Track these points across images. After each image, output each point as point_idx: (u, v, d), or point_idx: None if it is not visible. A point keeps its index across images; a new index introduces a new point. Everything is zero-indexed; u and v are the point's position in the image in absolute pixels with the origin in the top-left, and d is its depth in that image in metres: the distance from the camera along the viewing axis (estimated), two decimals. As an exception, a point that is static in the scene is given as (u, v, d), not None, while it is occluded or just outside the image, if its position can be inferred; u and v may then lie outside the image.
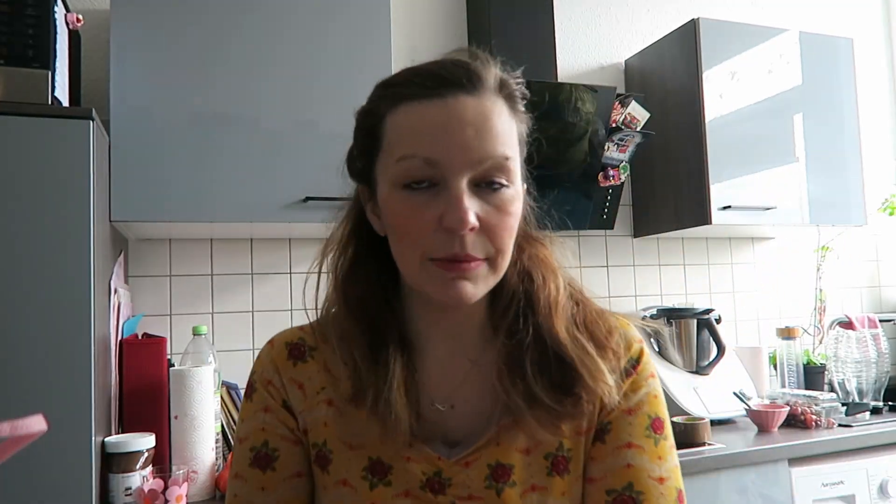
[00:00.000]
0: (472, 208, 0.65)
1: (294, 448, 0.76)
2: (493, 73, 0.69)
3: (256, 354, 0.82)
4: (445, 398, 0.74)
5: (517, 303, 0.73)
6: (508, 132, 0.68)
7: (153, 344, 1.65)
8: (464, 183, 0.65)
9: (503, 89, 0.69)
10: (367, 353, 0.72)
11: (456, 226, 0.64)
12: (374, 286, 0.75)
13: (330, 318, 0.77)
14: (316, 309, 0.78)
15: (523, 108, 0.73)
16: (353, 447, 0.73)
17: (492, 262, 0.68)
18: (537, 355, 0.71)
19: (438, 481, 0.71)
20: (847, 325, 2.32)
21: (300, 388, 0.76)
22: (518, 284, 0.74)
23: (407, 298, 0.76)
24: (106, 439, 1.43)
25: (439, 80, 0.66)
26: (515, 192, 0.68)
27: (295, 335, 0.80)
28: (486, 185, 0.66)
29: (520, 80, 0.72)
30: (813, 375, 2.37)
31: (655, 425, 0.74)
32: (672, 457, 0.74)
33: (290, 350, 0.78)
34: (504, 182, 0.67)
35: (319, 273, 0.77)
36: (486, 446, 0.71)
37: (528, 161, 0.75)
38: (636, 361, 0.76)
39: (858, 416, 2.07)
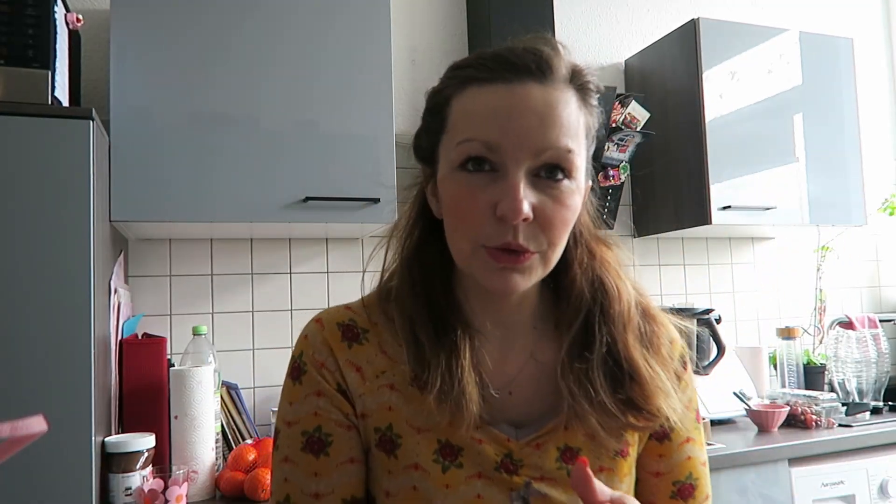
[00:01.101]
0: (528, 199, 0.64)
1: (348, 433, 0.73)
2: (564, 62, 0.68)
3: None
4: (503, 385, 0.74)
5: (586, 308, 0.74)
6: (574, 124, 0.66)
7: (153, 344, 1.65)
8: (522, 171, 0.64)
9: (575, 80, 0.68)
10: (433, 333, 0.71)
11: (510, 215, 0.63)
12: (436, 269, 0.75)
13: (390, 294, 0.76)
14: (381, 275, 0.78)
15: (596, 103, 0.71)
16: (421, 430, 0.71)
17: (543, 255, 0.67)
18: (609, 367, 0.72)
19: (511, 462, 0.71)
20: (847, 325, 2.32)
21: (358, 371, 0.73)
22: (589, 289, 0.74)
23: (462, 284, 0.76)
24: (106, 439, 1.43)
25: (508, 65, 0.65)
26: (576, 186, 0.67)
27: (344, 315, 0.77)
28: (546, 177, 0.65)
29: (595, 73, 0.71)
30: (813, 375, 2.37)
31: (697, 416, 0.81)
32: (705, 439, 0.82)
33: (344, 331, 0.75)
34: (564, 175, 0.66)
35: (389, 241, 0.77)
36: (554, 430, 0.72)
37: (596, 157, 0.75)
38: (683, 362, 0.80)
39: (858, 416, 2.07)
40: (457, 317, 0.73)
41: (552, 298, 0.77)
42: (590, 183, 0.75)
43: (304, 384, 0.74)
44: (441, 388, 0.68)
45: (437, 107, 0.71)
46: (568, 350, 0.73)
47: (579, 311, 0.74)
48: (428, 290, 0.74)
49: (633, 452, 0.76)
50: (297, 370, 0.75)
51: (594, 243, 0.77)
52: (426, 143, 0.73)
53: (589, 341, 0.72)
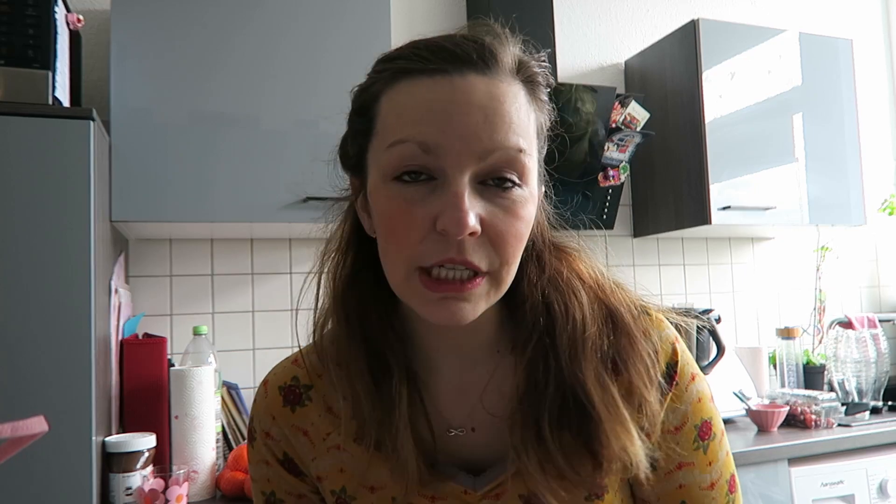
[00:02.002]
0: (475, 209, 0.54)
1: (301, 501, 0.73)
2: (511, 52, 0.59)
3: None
4: (463, 422, 0.66)
5: (537, 333, 0.63)
6: (525, 122, 0.57)
7: (153, 344, 1.65)
8: (466, 178, 0.54)
9: (522, 72, 0.59)
10: (370, 382, 0.64)
11: (453, 229, 0.53)
12: (373, 298, 0.65)
13: (326, 338, 0.68)
14: (314, 316, 0.69)
15: (546, 97, 0.62)
16: (375, 489, 0.66)
17: (495, 276, 0.57)
18: (557, 404, 0.61)
19: None
20: (847, 325, 2.32)
21: (305, 435, 0.69)
22: (538, 307, 0.63)
23: (408, 316, 0.66)
24: (106, 439, 1.43)
25: (446, 55, 0.56)
26: (529, 193, 0.58)
27: (288, 375, 0.71)
28: (494, 184, 0.56)
29: (544, 64, 0.62)
30: (812, 375, 2.37)
31: (703, 431, 0.67)
32: (721, 451, 0.69)
33: (285, 395, 0.70)
34: (516, 180, 0.56)
35: (319, 281, 0.68)
36: (517, 475, 0.63)
37: (548, 160, 0.65)
38: (673, 369, 0.66)
39: (858, 415, 2.07)
40: (397, 358, 0.64)
41: (509, 315, 0.66)
42: (543, 189, 0.65)
43: (255, 450, 0.73)
44: (378, 444, 0.63)
45: (363, 106, 0.61)
46: (522, 385, 0.63)
47: (530, 338, 0.63)
48: (365, 328, 0.64)
49: (611, 489, 0.65)
50: (250, 433, 0.74)
51: (547, 254, 0.66)
52: (353, 149, 0.63)
53: (540, 376, 0.62)
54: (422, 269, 0.56)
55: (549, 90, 0.63)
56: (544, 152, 0.64)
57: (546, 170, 0.66)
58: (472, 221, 0.54)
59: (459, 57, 0.56)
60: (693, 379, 0.68)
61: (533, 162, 0.59)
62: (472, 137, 0.54)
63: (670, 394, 0.66)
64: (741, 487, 0.74)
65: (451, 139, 0.54)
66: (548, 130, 0.64)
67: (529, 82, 0.60)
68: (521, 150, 0.56)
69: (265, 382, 0.73)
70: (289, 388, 0.70)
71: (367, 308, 0.65)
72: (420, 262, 0.56)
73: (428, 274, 0.56)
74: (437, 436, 0.65)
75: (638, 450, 0.61)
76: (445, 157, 0.55)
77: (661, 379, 0.65)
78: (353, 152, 0.64)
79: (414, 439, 0.63)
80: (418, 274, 0.56)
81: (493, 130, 0.55)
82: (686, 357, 0.68)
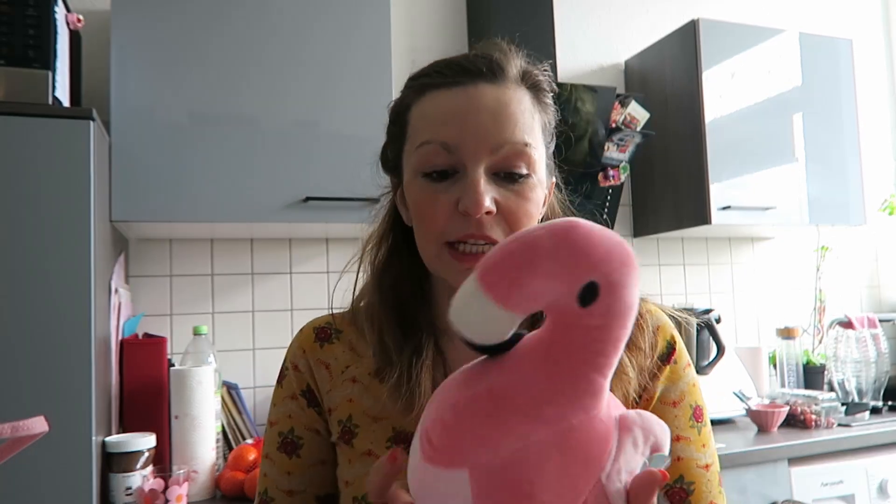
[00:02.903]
0: (490, 193, 0.65)
1: (316, 438, 0.77)
2: (515, 63, 0.70)
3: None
4: None
5: None
6: (529, 121, 0.68)
7: (153, 344, 1.65)
8: (481, 169, 0.65)
9: (526, 80, 0.70)
10: (399, 335, 0.73)
11: (472, 208, 0.64)
12: (406, 275, 0.76)
13: (361, 307, 0.79)
14: (353, 295, 0.80)
15: (550, 101, 0.73)
16: (378, 419, 0.73)
17: None
18: None
19: None
20: (846, 324, 2.32)
21: (326, 369, 0.77)
22: None
23: (436, 288, 0.76)
24: (106, 439, 1.43)
25: (461, 70, 0.68)
26: (537, 181, 0.68)
27: (324, 320, 0.81)
28: (506, 174, 0.67)
29: (546, 72, 0.73)
30: (812, 375, 2.37)
31: (697, 414, 0.75)
32: (712, 442, 0.76)
33: (318, 333, 0.79)
34: (525, 171, 0.67)
35: (360, 266, 0.79)
36: None
37: (557, 154, 0.75)
38: (671, 348, 0.75)
39: (858, 415, 2.07)
40: (426, 319, 0.74)
41: None
42: (553, 180, 0.76)
43: (283, 387, 0.80)
44: (398, 380, 0.70)
45: (398, 116, 0.74)
46: None
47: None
48: (398, 294, 0.75)
49: None
50: (281, 375, 0.81)
51: None
52: (391, 153, 0.75)
53: None
54: (449, 244, 0.67)
55: (552, 94, 0.73)
56: (552, 147, 0.74)
57: (556, 163, 0.76)
58: (488, 202, 0.65)
59: (472, 71, 0.68)
60: (688, 365, 0.77)
61: (539, 154, 0.69)
62: (483, 135, 0.66)
63: (668, 368, 0.74)
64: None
65: (466, 138, 0.66)
66: (554, 129, 0.74)
67: (533, 88, 0.71)
68: (526, 144, 0.67)
69: (302, 328, 0.82)
70: (321, 329, 0.80)
71: (399, 283, 0.76)
72: (446, 237, 0.67)
73: (455, 249, 0.67)
74: None
75: (631, 376, 0.70)
76: (463, 153, 0.66)
77: (661, 349, 0.74)
78: (392, 156, 0.75)
79: (432, 383, 0.70)
80: (447, 249, 0.67)
81: (502, 128, 0.66)
82: (682, 345, 0.77)
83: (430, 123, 0.68)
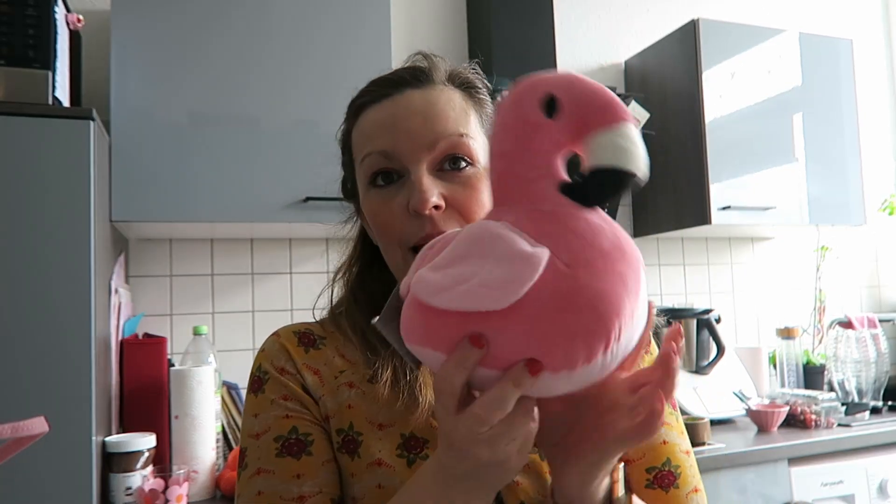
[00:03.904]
0: (436, 188, 0.66)
1: (325, 433, 0.71)
2: (441, 68, 0.72)
3: (250, 353, 0.80)
4: None
5: None
6: (461, 115, 0.69)
7: (153, 344, 1.65)
8: (423, 167, 0.66)
9: (454, 79, 0.72)
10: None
11: (419, 206, 0.64)
12: (382, 285, 0.75)
13: (340, 315, 0.77)
14: (330, 306, 0.79)
15: (486, 96, 0.74)
16: (383, 427, 0.69)
17: None
18: None
19: None
20: (846, 324, 2.32)
21: (316, 374, 0.73)
22: None
23: None
24: (106, 439, 1.43)
25: (388, 83, 0.71)
26: (482, 170, 0.68)
27: (301, 326, 0.78)
28: (450, 167, 0.67)
29: (474, 70, 0.75)
30: (812, 375, 2.37)
31: (672, 402, 0.76)
32: (685, 432, 0.77)
33: (300, 338, 0.76)
34: (467, 161, 0.68)
35: (333, 284, 0.79)
36: None
37: None
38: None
39: (858, 415, 2.07)
40: None
41: None
42: None
43: (267, 392, 0.72)
44: (393, 376, 0.69)
45: (345, 145, 0.76)
46: None
47: None
48: (375, 304, 0.72)
49: None
50: (257, 382, 0.74)
51: None
52: (349, 181, 0.77)
53: None
54: (411, 249, 0.67)
55: (487, 90, 0.75)
56: None
57: None
58: (434, 198, 0.65)
59: (397, 81, 0.71)
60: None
61: (478, 145, 0.69)
62: (417, 134, 0.67)
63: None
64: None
65: (401, 141, 0.67)
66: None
67: (463, 86, 0.73)
68: (461, 135, 0.68)
69: (276, 332, 0.77)
70: (303, 334, 0.77)
71: (376, 291, 0.75)
72: (407, 242, 0.67)
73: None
74: None
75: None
76: (402, 156, 0.67)
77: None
78: (350, 184, 0.77)
79: (430, 374, 0.68)
80: (412, 254, 0.65)
81: (434, 124, 0.68)
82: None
83: (368, 138, 0.70)
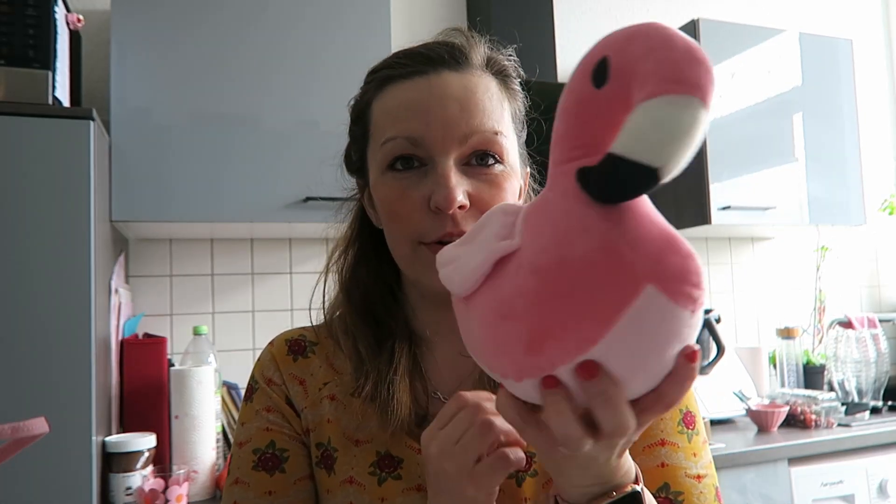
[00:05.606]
0: (462, 186, 0.61)
1: (302, 449, 0.70)
2: (479, 50, 0.66)
3: (257, 355, 0.80)
4: (451, 392, 0.68)
5: None
6: (497, 108, 0.64)
7: (153, 344, 1.65)
8: (451, 160, 0.61)
9: (492, 66, 0.66)
10: (373, 343, 0.69)
11: (444, 204, 0.60)
12: (377, 281, 0.72)
13: (335, 319, 0.74)
14: (323, 309, 0.75)
15: (518, 88, 0.69)
16: (359, 443, 0.68)
17: None
18: None
19: None
20: (846, 324, 2.32)
21: (301, 384, 0.71)
22: None
23: (409, 293, 0.72)
24: (106, 439, 1.43)
25: (422, 59, 0.64)
26: (511, 170, 0.64)
27: (295, 333, 0.76)
28: (477, 163, 0.63)
29: (511, 58, 0.69)
30: (812, 375, 2.37)
31: (687, 420, 0.68)
32: (706, 452, 0.68)
33: (290, 346, 0.74)
34: (495, 159, 0.63)
35: (326, 274, 0.75)
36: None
37: (529, 143, 0.71)
38: None
39: (858, 415, 2.07)
40: (399, 325, 0.70)
41: None
42: (528, 169, 0.71)
43: (254, 402, 0.72)
44: (372, 392, 0.66)
45: (359, 115, 0.69)
46: None
47: None
48: (369, 303, 0.71)
49: None
50: (249, 391, 0.74)
51: None
52: (355, 154, 0.71)
53: None
54: (424, 243, 0.63)
55: (520, 81, 0.69)
56: (524, 136, 0.70)
57: (528, 153, 0.72)
58: (461, 196, 0.60)
59: (433, 59, 0.64)
60: None
61: (510, 143, 0.65)
62: (451, 125, 0.61)
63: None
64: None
65: (433, 129, 0.61)
66: (525, 116, 0.70)
67: (500, 74, 0.67)
68: (496, 133, 0.63)
69: (272, 340, 0.76)
70: (295, 341, 0.75)
71: (370, 289, 0.72)
72: (422, 238, 0.62)
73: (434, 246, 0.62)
74: (429, 399, 0.69)
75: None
76: (431, 146, 0.62)
77: None
78: (356, 157, 0.71)
79: (410, 393, 0.67)
80: (425, 247, 0.62)
81: (470, 117, 0.62)
82: None
83: (394, 118, 0.63)
